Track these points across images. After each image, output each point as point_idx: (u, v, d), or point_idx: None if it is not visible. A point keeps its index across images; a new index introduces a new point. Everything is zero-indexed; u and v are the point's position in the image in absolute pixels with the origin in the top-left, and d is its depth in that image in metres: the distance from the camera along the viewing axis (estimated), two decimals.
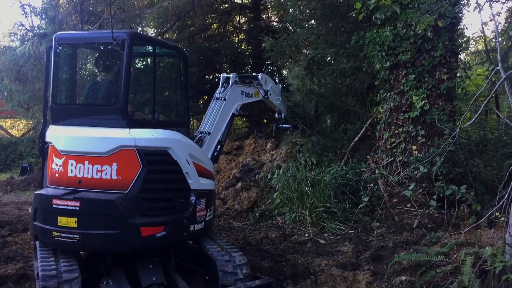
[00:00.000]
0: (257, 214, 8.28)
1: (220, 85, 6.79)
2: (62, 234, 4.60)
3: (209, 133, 6.15)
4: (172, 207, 5.04)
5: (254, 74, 8.38)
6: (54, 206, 4.65)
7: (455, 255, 4.98)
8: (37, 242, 5.12)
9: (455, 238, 5.35)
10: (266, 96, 8.10)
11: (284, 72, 15.03)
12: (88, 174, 4.74)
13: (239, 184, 9.38)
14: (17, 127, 25.07)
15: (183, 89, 5.95)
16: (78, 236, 4.57)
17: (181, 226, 5.00)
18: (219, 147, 6.30)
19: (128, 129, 4.81)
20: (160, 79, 6.37)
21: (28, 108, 14.95)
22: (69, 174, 4.80)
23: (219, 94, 6.63)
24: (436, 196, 6.85)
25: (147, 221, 4.69)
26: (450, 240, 5.32)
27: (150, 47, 5.82)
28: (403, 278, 5.04)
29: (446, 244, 5.26)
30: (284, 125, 9.63)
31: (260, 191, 8.89)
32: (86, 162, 4.75)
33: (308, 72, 9.96)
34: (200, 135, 6.12)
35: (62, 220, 4.62)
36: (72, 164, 4.79)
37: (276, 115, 9.55)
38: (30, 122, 21.17)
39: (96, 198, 4.64)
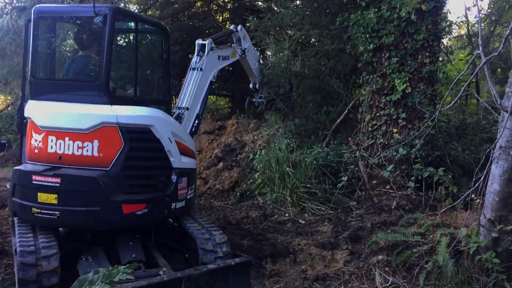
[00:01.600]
0: (238, 194, 8.32)
1: (195, 54, 6.53)
2: (42, 211, 4.55)
3: (187, 109, 6.04)
4: (154, 185, 5.01)
5: (231, 26, 8.11)
6: (33, 182, 4.59)
7: (431, 236, 5.09)
8: (15, 218, 5.07)
9: (432, 219, 5.47)
10: (243, 55, 7.92)
11: (268, 53, 14.99)
12: (68, 150, 4.67)
13: (220, 164, 9.39)
14: None
15: (165, 67, 5.87)
16: (58, 212, 4.53)
17: (163, 204, 4.99)
18: (197, 121, 6.20)
19: (110, 105, 4.75)
20: (141, 56, 6.29)
21: (7, 83, 14.66)
22: (49, 150, 4.72)
23: (195, 64, 6.40)
24: (414, 178, 6.96)
25: (128, 198, 4.67)
26: (427, 221, 5.43)
27: (132, 23, 5.72)
28: (380, 257, 5.14)
29: (422, 225, 5.36)
30: (257, 100, 9.45)
31: (242, 171, 8.92)
32: (66, 138, 4.67)
33: (292, 53, 9.94)
34: (178, 111, 6.02)
35: (42, 197, 4.56)
36: (52, 140, 4.71)
37: (251, 85, 9.37)
38: (9, 98, 20.73)
39: (77, 174, 4.58)
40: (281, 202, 7.54)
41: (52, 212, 4.54)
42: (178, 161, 5.19)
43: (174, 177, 5.13)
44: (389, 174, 7.13)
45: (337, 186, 7.24)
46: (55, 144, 4.70)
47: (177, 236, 5.45)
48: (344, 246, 5.73)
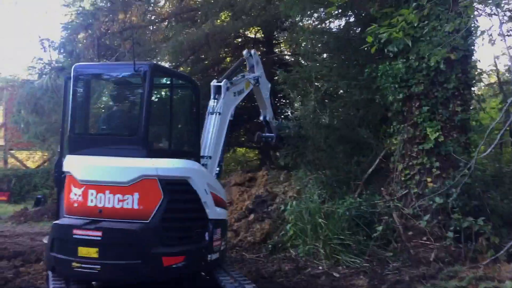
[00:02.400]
0: (270, 246, 8.19)
1: (211, 97, 6.52)
2: (83, 265, 4.54)
3: (209, 157, 6.03)
4: (191, 237, 5.03)
5: (244, 52, 8.07)
6: (74, 236, 4.62)
7: None
8: (49, 273, 5.11)
9: (474, 272, 5.25)
10: (257, 84, 7.84)
11: (296, 104, 15.16)
12: (109, 203, 4.73)
13: (251, 216, 9.32)
14: (32, 159, 25.34)
15: (195, 120, 5.98)
16: (99, 266, 4.52)
17: (199, 256, 5.01)
18: (218, 169, 6.19)
19: (149, 158, 4.82)
20: (174, 110, 6.45)
21: (44, 139, 15.15)
22: (89, 204, 4.79)
23: (213, 108, 6.39)
24: (452, 228, 6.73)
25: (168, 251, 4.69)
26: (469, 274, 5.21)
27: (167, 79, 5.94)
28: None
29: (464, 278, 5.16)
30: (267, 134, 9.32)
31: (273, 223, 8.82)
32: (107, 192, 4.74)
33: (321, 105, 10.02)
34: (202, 161, 5.99)
35: (83, 251, 4.58)
36: (92, 194, 4.79)
37: (261, 117, 9.13)
38: (45, 154, 21.39)
39: (119, 227, 4.62)
40: (314, 254, 7.37)
41: (92, 266, 4.52)
42: (213, 212, 5.22)
43: (209, 228, 5.14)
44: (426, 223, 6.93)
45: (372, 237, 7.06)
46: (95, 197, 4.77)
47: None
48: None
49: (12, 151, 23.66)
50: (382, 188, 8.20)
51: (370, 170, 8.69)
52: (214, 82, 6.60)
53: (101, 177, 4.82)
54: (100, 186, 4.77)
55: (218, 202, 5.42)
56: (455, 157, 7.21)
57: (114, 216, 4.70)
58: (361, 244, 7.24)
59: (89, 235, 4.56)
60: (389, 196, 7.90)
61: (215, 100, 6.45)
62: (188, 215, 5.02)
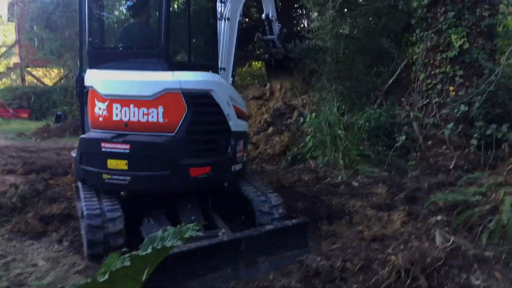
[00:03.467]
0: (290, 157, 8.32)
1: (220, 1, 6.04)
2: (113, 176, 4.67)
3: (223, 69, 5.90)
4: (216, 149, 5.09)
5: None
6: (103, 149, 4.71)
7: (493, 195, 4.92)
8: (79, 184, 5.29)
9: (494, 178, 5.27)
10: None
11: (313, 15, 14.67)
12: (134, 117, 4.74)
13: (270, 129, 9.40)
14: (49, 76, 25.44)
15: (213, 32, 5.80)
16: (129, 177, 4.65)
17: (224, 167, 5.10)
18: (232, 79, 6.07)
19: (171, 72, 4.79)
20: (192, 22, 6.29)
21: (60, 55, 15.10)
22: (114, 118, 4.81)
23: (220, 13, 5.97)
24: (477, 136, 6.69)
25: (195, 162, 4.76)
26: (489, 180, 5.25)
27: None
28: (439, 218, 5.04)
29: (483, 184, 5.19)
30: (268, 36, 8.88)
31: (292, 135, 8.89)
32: (131, 106, 4.74)
33: (339, 14, 9.65)
34: None
35: (112, 163, 4.68)
36: (117, 108, 4.79)
37: (263, 15, 8.56)
38: (62, 71, 21.43)
39: (146, 140, 4.68)
40: (333, 165, 7.48)
41: (123, 177, 4.65)
42: (236, 124, 5.23)
43: (233, 140, 5.20)
44: (450, 132, 6.90)
45: (393, 148, 7.10)
46: (120, 111, 4.78)
47: (234, 199, 5.52)
48: (401, 207, 5.64)
49: (28, 69, 23.71)
50: (402, 99, 8.11)
51: (391, 80, 8.56)
52: None
53: (124, 91, 4.80)
54: (124, 100, 4.76)
55: (240, 114, 5.41)
56: (480, 64, 7.01)
57: (140, 129, 4.74)
58: (381, 154, 7.31)
59: (117, 148, 4.65)
60: (409, 106, 7.82)
61: (222, 4, 6.01)
62: (212, 127, 5.02)
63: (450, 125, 6.94)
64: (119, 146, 4.64)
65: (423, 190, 6.02)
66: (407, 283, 3.66)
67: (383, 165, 7.15)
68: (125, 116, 4.77)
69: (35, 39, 15.26)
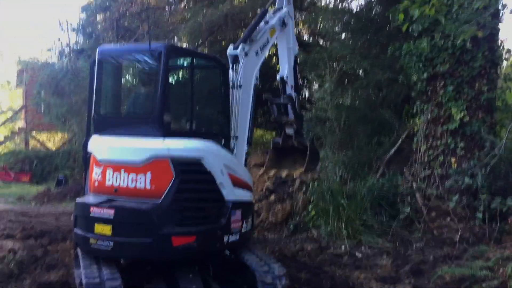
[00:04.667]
0: (292, 226, 8.22)
1: (230, 67, 5.91)
2: (98, 241, 4.67)
3: (236, 137, 5.79)
4: (205, 217, 4.97)
5: None
6: (91, 213, 4.73)
7: (501, 270, 4.83)
8: (78, 250, 5.21)
9: (501, 252, 5.20)
10: (283, 26, 6.81)
11: (315, 85, 15.08)
12: (124, 183, 4.80)
13: (272, 197, 9.34)
14: (53, 140, 25.66)
15: (224, 100, 5.81)
16: (112, 243, 4.62)
17: (214, 237, 4.95)
18: (246, 147, 5.92)
19: (162, 138, 4.84)
20: (199, 91, 6.43)
21: (65, 121, 15.36)
22: (107, 183, 4.88)
23: (232, 81, 5.84)
24: (482, 208, 6.65)
25: (178, 231, 4.68)
26: (495, 254, 5.17)
27: (189, 59, 5.90)
28: None
29: (490, 259, 5.12)
30: (280, 100, 7.53)
31: (294, 203, 8.83)
32: (122, 171, 4.82)
33: (340, 85, 9.95)
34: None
35: (98, 228, 4.69)
36: (109, 173, 4.88)
37: (278, 76, 7.48)
38: (66, 135, 21.66)
39: (130, 206, 4.70)
40: (336, 234, 7.37)
41: (107, 243, 4.64)
42: (231, 193, 5.13)
43: (226, 210, 5.07)
44: (454, 204, 6.87)
45: (397, 218, 7.04)
46: (112, 176, 4.86)
47: (236, 268, 5.41)
48: (407, 281, 5.52)
49: (32, 133, 23.98)
50: (404, 169, 8.13)
51: (392, 150, 8.63)
52: (230, 50, 5.97)
53: (117, 156, 4.91)
54: (116, 166, 4.86)
55: (239, 183, 5.32)
56: (480, 137, 7.11)
57: (128, 195, 4.77)
58: (384, 224, 7.23)
59: (103, 213, 4.67)
60: (411, 177, 7.84)
61: (234, 71, 5.92)
62: (201, 195, 4.94)
63: (455, 198, 6.92)
64: (105, 211, 4.67)
65: (428, 262, 5.92)
66: None
67: (386, 235, 7.06)
68: (116, 182, 4.83)
69: (42, 104, 15.60)
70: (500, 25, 7.65)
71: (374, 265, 6.23)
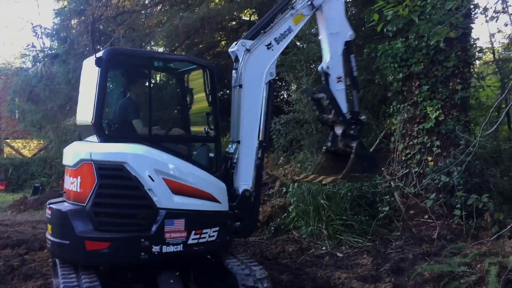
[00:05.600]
0: (273, 228, 8.23)
1: (233, 67, 5.51)
2: (47, 241, 5.07)
3: (238, 142, 5.42)
4: (125, 224, 4.74)
5: None
6: (46, 215, 5.20)
7: (478, 266, 4.92)
8: (56, 259, 5.12)
9: (478, 248, 5.29)
10: (314, 9, 5.66)
11: (293, 87, 15.15)
12: (67, 185, 5.16)
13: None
14: (28, 147, 25.25)
15: (211, 102, 5.51)
16: (50, 242, 4.94)
17: (135, 245, 4.66)
18: (261, 150, 5.45)
19: (94, 143, 4.95)
20: (180, 95, 6.38)
21: (41, 127, 15.08)
22: (65, 186, 5.30)
23: (234, 80, 5.47)
24: (459, 205, 6.75)
25: (92, 236, 4.60)
26: (473, 251, 5.26)
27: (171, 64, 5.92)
28: None
29: (468, 255, 5.20)
30: (319, 95, 5.96)
31: (275, 205, 8.84)
32: (67, 175, 5.19)
33: (317, 86, 9.98)
34: (229, 148, 5.48)
35: (48, 227, 5.14)
36: (66, 177, 5.29)
37: (319, 67, 5.90)
38: (41, 142, 21.33)
39: (57, 208, 4.93)
40: (317, 235, 7.41)
41: (49, 241, 4.99)
42: (167, 200, 4.82)
43: (159, 218, 4.76)
44: (432, 202, 6.97)
45: (376, 218, 7.11)
46: (65, 180, 5.28)
47: (217, 272, 5.38)
48: (387, 279, 5.57)
49: (7, 140, 23.55)
50: (382, 168, 8.23)
51: (371, 150, 8.70)
52: (232, 49, 5.52)
53: (65, 161, 5.29)
54: (66, 170, 5.25)
55: (183, 191, 4.94)
56: (456, 135, 7.23)
57: (69, 198, 5.03)
58: (364, 224, 7.28)
59: (47, 213, 5.12)
60: (390, 176, 7.93)
61: (235, 71, 5.48)
62: (124, 201, 4.74)
63: (432, 196, 7.03)
64: (48, 211, 5.09)
65: (408, 260, 5.99)
66: None
67: (366, 235, 7.11)
68: (66, 185, 5.20)
69: (16, 111, 15.30)
70: (472, 25, 7.84)
71: (355, 265, 6.28)
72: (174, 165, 4.99)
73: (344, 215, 7.32)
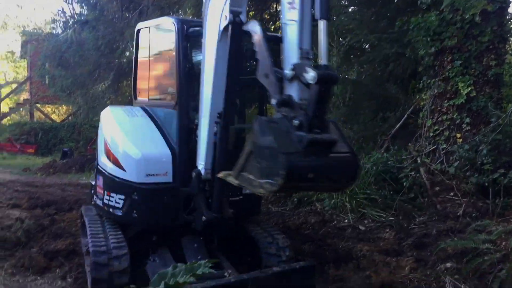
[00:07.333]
0: (296, 199, 8.27)
1: None
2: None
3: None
4: None
5: None
6: None
7: (503, 243, 4.87)
8: (85, 220, 5.27)
9: (503, 226, 5.23)
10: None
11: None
12: None
13: None
14: (57, 113, 25.75)
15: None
16: None
17: None
18: (218, 124, 4.26)
19: None
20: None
21: (70, 93, 15.35)
22: None
23: None
24: (486, 183, 6.63)
25: None
26: (498, 228, 5.21)
27: None
28: (449, 265, 4.98)
29: (493, 232, 5.15)
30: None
31: None
32: None
33: (346, 60, 9.86)
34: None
35: None
36: None
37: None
38: (70, 108, 21.71)
39: None
40: (340, 208, 7.43)
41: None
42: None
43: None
44: (454, 170, 6.89)
45: (400, 192, 7.07)
46: None
47: (240, 240, 5.46)
48: (409, 253, 5.57)
49: (37, 105, 24.05)
50: (409, 144, 8.13)
51: (398, 125, 8.60)
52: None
53: None
54: None
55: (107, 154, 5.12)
56: (486, 113, 7.08)
57: None
58: (387, 199, 7.26)
59: None
60: (416, 152, 7.83)
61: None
62: None
63: (459, 173, 6.91)
64: None
65: (431, 236, 5.96)
66: None
67: (390, 209, 7.09)
68: None
69: (47, 76, 15.58)
70: None
71: (377, 238, 6.29)
72: None
73: (368, 189, 7.32)
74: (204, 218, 4.50)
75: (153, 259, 4.81)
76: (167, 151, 4.77)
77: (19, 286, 4.56)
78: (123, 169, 4.83)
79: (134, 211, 4.76)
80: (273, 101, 3.26)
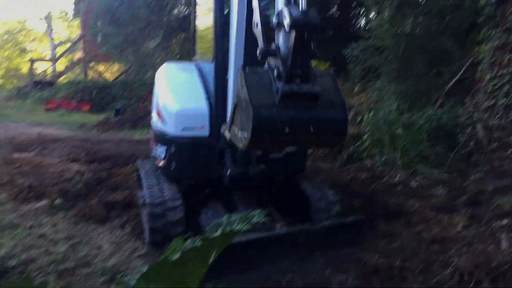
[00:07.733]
0: (345, 156, 8.21)
1: None
2: None
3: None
4: None
5: None
6: None
7: None
8: (141, 173, 5.46)
9: None
10: None
11: (373, 12, 14.45)
12: None
13: None
14: (110, 71, 26.38)
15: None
16: None
17: None
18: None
19: None
20: None
21: (122, 50, 15.63)
22: None
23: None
24: None
25: None
26: None
27: None
28: (504, 222, 4.85)
29: None
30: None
31: (348, 133, 8.77)
32: None
33: (399, 12, 9.44)
34: None
35: None
36: None
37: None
38: (122, 67, 22.17)
39: None
40: (391, 164, 7.32)
41: None
42: None
43: None
44: None
45: (454, 150, 6.87)
46: None
47: (291, 195, 5.52)
48: (463, 210, 5.46)
49: (91, 64, 24.72)
50: (465, 99, 7.82)
51: (454, 80, 8.27)
52: None
53: None
54: None
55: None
56: None
57: None
58: (441, 156, 7.07)
59: None
60: (473, 107, 7.54)
61: None
62: None
63: None
64: None
65: (486, 193, 5.81)
66: (470, 286, 3.55)
67: (443, 167, 6.92)
68: None
69: (99, 34, 15.87)
70: None
71: (429, 195, 6.18)
72: None
73: (420, 145, 7.15)
74: (228, 172, 4.56)
75: (206, 211, 4.96)
76: (204, 106, 4.79)
77: (82, 234, 4.84)
78: (165, 122, 4.99)
79: (172, 163, 4.90)
80: (258, 51, 3.06)
